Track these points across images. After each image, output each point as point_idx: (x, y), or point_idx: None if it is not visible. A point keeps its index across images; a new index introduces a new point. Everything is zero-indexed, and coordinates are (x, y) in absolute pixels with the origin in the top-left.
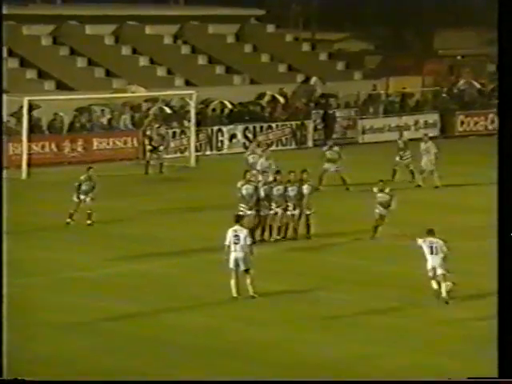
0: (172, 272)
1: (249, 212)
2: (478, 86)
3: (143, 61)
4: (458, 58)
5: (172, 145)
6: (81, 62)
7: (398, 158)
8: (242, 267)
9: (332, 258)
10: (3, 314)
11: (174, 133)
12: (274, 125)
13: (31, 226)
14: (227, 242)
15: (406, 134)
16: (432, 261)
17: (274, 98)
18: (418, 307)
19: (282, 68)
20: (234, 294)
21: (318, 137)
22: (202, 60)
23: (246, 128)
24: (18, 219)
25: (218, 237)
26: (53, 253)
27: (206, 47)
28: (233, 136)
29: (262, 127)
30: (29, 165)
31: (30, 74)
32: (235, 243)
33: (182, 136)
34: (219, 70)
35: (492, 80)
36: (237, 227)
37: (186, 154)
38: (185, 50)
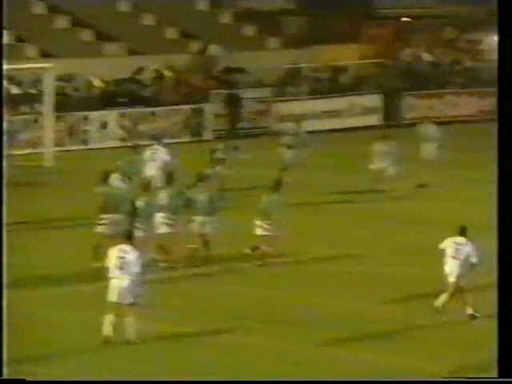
0: None
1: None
2: (429, 57)
3: None
4: (406, 19)
5: (21, 137)
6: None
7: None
8: (126, 301)
9: (241, 289)
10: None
11: (24, 121)
12: (160, 110)
13: None
14: (109, 265)
15: (339, 122)
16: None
17: (159, 74)
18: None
19: (171, 33)
20: (107, 333)
21: (219, 126)
22: (60, 22)
23: (123, 114)
24: None
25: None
26: None
27: (67, 4)
28: (104, 125)
29: (143, 113)
30: None
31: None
32: (120, 268)
33: (35, 125)
34: (84, 35)
35: (452, 49)
36: (124, 247)
37: (41, 149)
38: (38, 8)
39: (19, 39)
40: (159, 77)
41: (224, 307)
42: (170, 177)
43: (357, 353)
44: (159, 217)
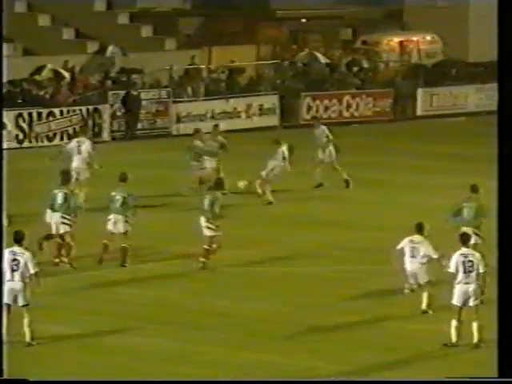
0: None
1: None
2: (323, 59)
3: None
4: (303, 21)
5: None
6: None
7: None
8: (21, 302)
9: (143, 291)
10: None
11: None
12: (56, 111)
13: None
14: (4, 267)
15: (236, 122)
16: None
17: (56, 74)
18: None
19: (68, 34)
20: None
21: (117, 127)
22: None
23: (19, 115)
24: None
25: None
26: None
27: None
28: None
29: (40, 114)
30: None
31: None
32: (13, 270)
33: None
34: None
35: (349, 50)
36: (17, 249)
37: None
38: None
39: None
40: (56, 77)
41: (114, 309)
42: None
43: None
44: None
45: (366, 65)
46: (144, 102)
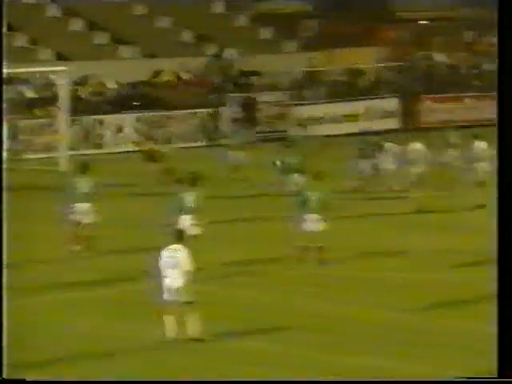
0: None
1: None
2: (445, 59)
3: None
4: (424, 22)
5: (36, 141)
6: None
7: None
8: (183, 299)
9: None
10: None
11: (38, 125)
12: (175, 113)
13: None
14: (161, 266)
15: (356, 125)
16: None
17: (176, 77)
18: None
19: (187, 36)
20: (171, 334)
21: (235, 130)
22: (76, 25)
23: (138, 118)
24: None
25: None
26: None
27: (82, 9)
28: (120, 129)
29: (159, 117)
30: None
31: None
32: (173, 267)
33: (49, 129)
34: (100, 38)
35: (471, 52)
36: (175, 246)
37: (55, 153)
38: (53, 11)
39: (33, 42)
40: (175, 80)
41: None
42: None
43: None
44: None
45: (488, 67)
46: (263, 105)
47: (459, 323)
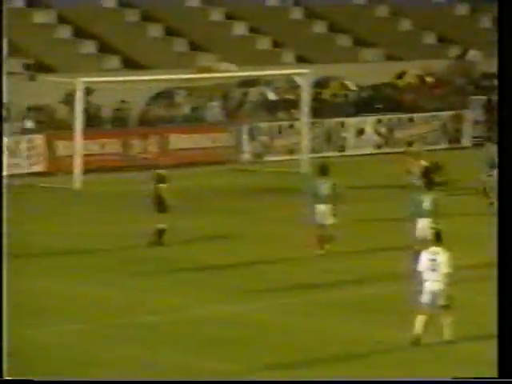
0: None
1: None
2: None
3: (239, 29)
4: None
5: (277, 143)
6: (154, 31)
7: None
8: (441, 302)
9: None
10: (3, 314)
11: (280, 127)
12: (418, 116)
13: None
14: (421, 268)
15: None
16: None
17: (420, 80)
18: None
19: (430, 38)
20: (418, 332)
21: (478, 133)
22: (319, 27)
23: (379, 120)
24: (65, 242)
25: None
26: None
27: (323, 10)
28: (361, 131)
29: (400, 119)
30: (84, 170)
31: (87, 47)
32: (432, 270)
33: (291, 131)
34: (342, 40)
35: None
36: (434, 249)
37: (297, 155)
38: (296, 13)
39: (276, 45)
40: (419, 82)
41: None
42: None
43: None
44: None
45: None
46: None
47: None
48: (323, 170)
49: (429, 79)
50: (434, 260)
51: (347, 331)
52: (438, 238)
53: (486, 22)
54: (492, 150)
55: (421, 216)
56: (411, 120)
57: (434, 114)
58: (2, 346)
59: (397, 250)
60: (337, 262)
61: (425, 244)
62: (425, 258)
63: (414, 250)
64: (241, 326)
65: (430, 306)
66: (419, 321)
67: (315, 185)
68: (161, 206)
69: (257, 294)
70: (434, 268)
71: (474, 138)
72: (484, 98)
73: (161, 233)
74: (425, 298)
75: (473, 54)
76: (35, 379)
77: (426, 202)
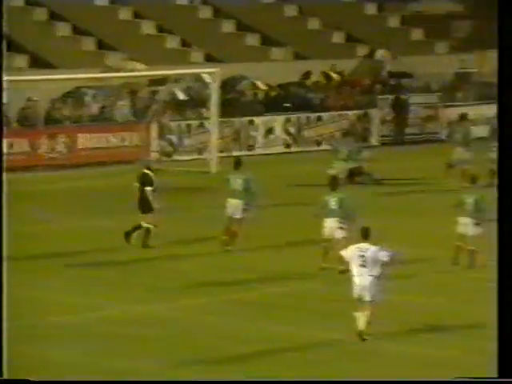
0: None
1: None
2: None
3: (147, 28)
4: None
5: (187, 142)
6: (63, 30)
7: None
8: (367, 297)
9: None
10: (3, 314)
11: (189, 126)
12: (325, 115)
13: None
14: (351, 264)
15: None
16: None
17: (326, 79)
18: None
19: (338, 37)
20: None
21: (386, 132)
22: (228, 26)
23: (288, 119)
24: None
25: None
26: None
27: (232, 10)
28: (269, 130)
29: (309, 118)
30: None
31: None
32: (361, 265)
33: (200, 130)
34: (251, 39)
35: None
36: (363, 245)
37: (206, 155)
38: (204, 12)
39: (185, 44)
40: (326, 81)
41: None
42: None
43: None
44: None
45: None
46: (413, 107)
47: None
48: (237, 165)
49: (337, 78)
50: (362, 256)
51: (254, 330)
52: (365, 235)
53: (394, 21)
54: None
55: (327, 216)
56: (320, 119)
57: (341, 113)
58: (2, 345)
59: (305, 247)
60: (244, 259)
61: (332, 243)
62: (354, 254)
63: (323, 247)
64: (149, 325)
65: (360, 300)
66: (357, 317)
67: (229, 180)
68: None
69: (166, 292)
70: (362, 264)
71: (382, 136)
72: (391, 96)
73: (130, 233)
74: (355, 294)
75: (380, 54)
76: (34, 379)
77: (333, 202)
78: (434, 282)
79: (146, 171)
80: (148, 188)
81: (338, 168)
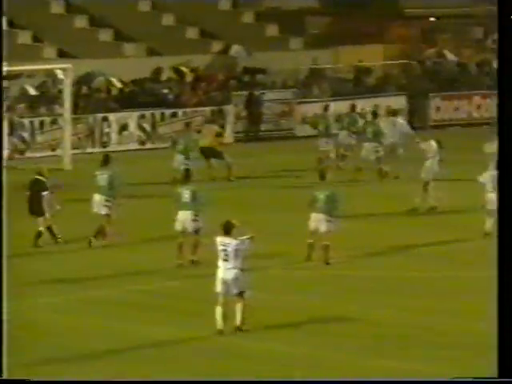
0: None
1: None
2: (454, 57)
3: None
4: (432, 19)
5: (39, 139)
6: None
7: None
8: (234, 290)
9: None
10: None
11: (42, 123)
12: (180, 111)
13: None
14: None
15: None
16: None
17: (180, 75)
18: None
19: (192, 33)
20: (220, 326)
21: (241, 128)
22: (80, 22)
23: (142, 116)
24: None
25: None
26: None
27: (84, 3)
28: (124, 127)
29: (163, 114)
30: None
31: None
32: (224, 260)
33: (54, 127)
34: (104, 35)
35: (479, 50)
36: (224, 239)
37: (59, 152)
38: (56, 8)
39: (37, 39)
40: (179, 77)
41: None
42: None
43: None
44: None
45: (496, 64)
46: (268, 103)
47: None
48: (105, 162)
49: (189, 74)
50: (224, 250)
51: (111, 328)
52: (227, 229)
53: (248, 17)
54: None
55: (181, 209)
56: (175, 115)
57: (196, 109)
58: (2, 345)
59: (163, 242)
60: (102, 256)
61: (186, 236)
62: (218, 247)
63: (178, 242)
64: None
65: (224, 295)
66: (218, 313)
67: (96, 176)
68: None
69: (23, 289)
70: (225, 258)
71: (237, 133)
72: (246, 93)
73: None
74: (219, 288)
75: (235, 50)
76: (34, 379)
77: (186, 194)
78: (284, 278)
79: (38, 177)
80: (44, 193)
81: (176, 161)
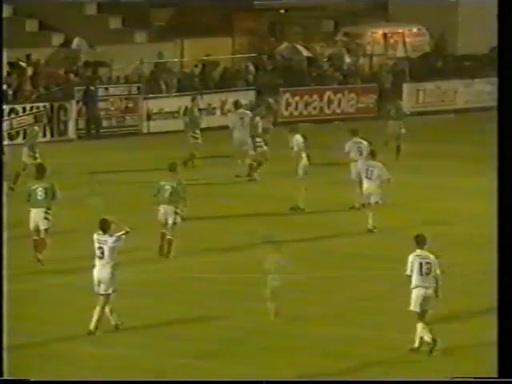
0: None
1: None
2: (305, 52)
3: None
4: (282, 11)
5: None
6: None
7: None
8: (101, 290)
9: None
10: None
11: None
12: (19, 107)
13: None
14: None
15: (211, 119)
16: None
17: (17, 68)
18: None
19: (31, 25)
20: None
21: (83, 124)
22: None
23: None
24: None
25: None
26: None
27: None
28: None
29: (1, 110)
30: None
31: None
32: (99, 257)
33: None
34: None
35: (330, 43)
36: (101, 236)
37: None
38: None
39: None
40: (17, 71)
41: None
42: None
43: None
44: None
45: (348, 58)
46: (112, 98)
47: None
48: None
49: (27, 66)
50: (100, 248)
51: None
52: (103, 226)
53: (90, 9)
54: None
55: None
56: (13, 111)
57: (37, 104)
58: (2, 345)
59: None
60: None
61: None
62: (95, 245)
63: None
64: None
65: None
66: (96, 312)
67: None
68: None
69: None
70: (100, 255)
71: (79, 130)
72: (88, 88)
73: None
74: (95, 287)
75: (77, 42)
76: (33, 379)
77: (39, 191)
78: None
79: None
80: None
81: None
